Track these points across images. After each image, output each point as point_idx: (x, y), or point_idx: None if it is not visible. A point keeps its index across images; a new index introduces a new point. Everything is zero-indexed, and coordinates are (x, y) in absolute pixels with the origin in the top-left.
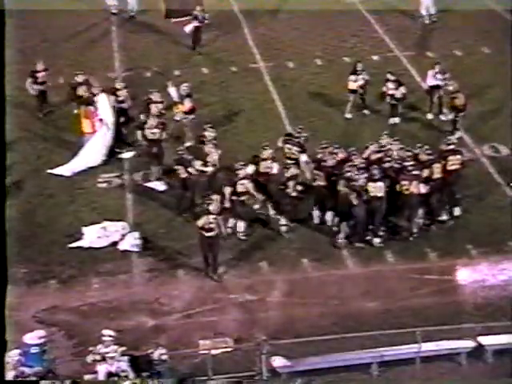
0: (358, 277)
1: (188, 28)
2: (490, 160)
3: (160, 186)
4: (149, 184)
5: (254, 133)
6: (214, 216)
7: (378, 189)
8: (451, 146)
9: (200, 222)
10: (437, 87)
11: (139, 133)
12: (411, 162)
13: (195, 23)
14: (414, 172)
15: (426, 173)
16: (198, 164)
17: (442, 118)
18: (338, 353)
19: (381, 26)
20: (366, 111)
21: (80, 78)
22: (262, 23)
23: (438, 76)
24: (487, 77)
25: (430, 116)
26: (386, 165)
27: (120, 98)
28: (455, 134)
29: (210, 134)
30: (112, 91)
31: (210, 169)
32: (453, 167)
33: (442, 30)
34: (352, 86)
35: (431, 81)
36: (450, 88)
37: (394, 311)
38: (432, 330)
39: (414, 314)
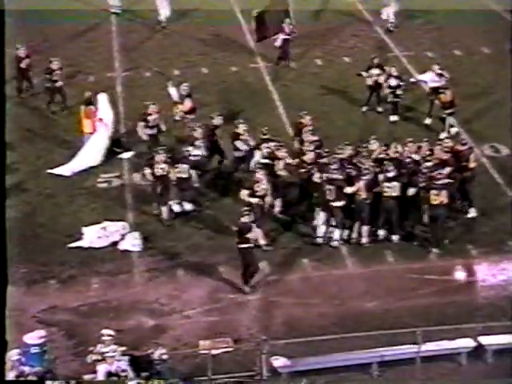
0: (358, 277)
1: (278, 42)
2: (489, 160)
3: (177, 207)
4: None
5: (253, 133)
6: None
7: (393, 189)
8: (467, 146)
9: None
10: (438, 89)
11: (147, 171)
12: (429, 164)
13: (283, 36)
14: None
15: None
16: (244, 193)
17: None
18: (338, 353)
19: (381, 26)
20: (379, 108)
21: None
22: None
23: (437, 78)
24: (487, 77)
25: (428, 121)
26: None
27: None
28: (442, 133)
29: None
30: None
31: (255, 200)
32: (473, 165)
33: (442, 30)
34: (367, 81)
35: (432, 83)
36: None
37: (393, 311)
38: (432, 330)
39: (414, 314)
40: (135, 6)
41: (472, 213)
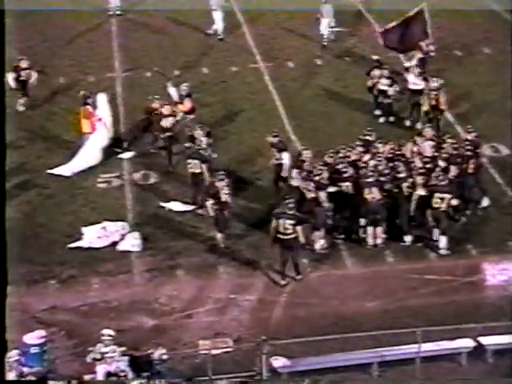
0: (358, 277)
1: (413, 61)
2: (489, 160)
3: (179, 206)
4: (166, 204)
5: (254, 133)
6: (292, 222)
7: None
8: (475, 134)
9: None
10: (420, 91)
11: (210, 202)
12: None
13: (420, 55)
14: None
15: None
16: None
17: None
18: (338, 353)
19: (381, 26)
20: (377, 112)
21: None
22: (262, 23)
23: (419, 81)
24: (487, 77)
25: (408, 123)
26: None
27: None
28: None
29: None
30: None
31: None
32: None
33: (442, 30)
34: (368, 83)
35: (413, 85)
36: (435, 84)
37: (393, 311)
38: (432, 330)
39: (414, 314)
40: (135, 6)
41: (485, 202)
